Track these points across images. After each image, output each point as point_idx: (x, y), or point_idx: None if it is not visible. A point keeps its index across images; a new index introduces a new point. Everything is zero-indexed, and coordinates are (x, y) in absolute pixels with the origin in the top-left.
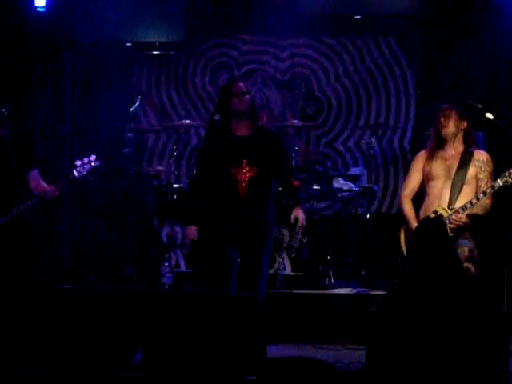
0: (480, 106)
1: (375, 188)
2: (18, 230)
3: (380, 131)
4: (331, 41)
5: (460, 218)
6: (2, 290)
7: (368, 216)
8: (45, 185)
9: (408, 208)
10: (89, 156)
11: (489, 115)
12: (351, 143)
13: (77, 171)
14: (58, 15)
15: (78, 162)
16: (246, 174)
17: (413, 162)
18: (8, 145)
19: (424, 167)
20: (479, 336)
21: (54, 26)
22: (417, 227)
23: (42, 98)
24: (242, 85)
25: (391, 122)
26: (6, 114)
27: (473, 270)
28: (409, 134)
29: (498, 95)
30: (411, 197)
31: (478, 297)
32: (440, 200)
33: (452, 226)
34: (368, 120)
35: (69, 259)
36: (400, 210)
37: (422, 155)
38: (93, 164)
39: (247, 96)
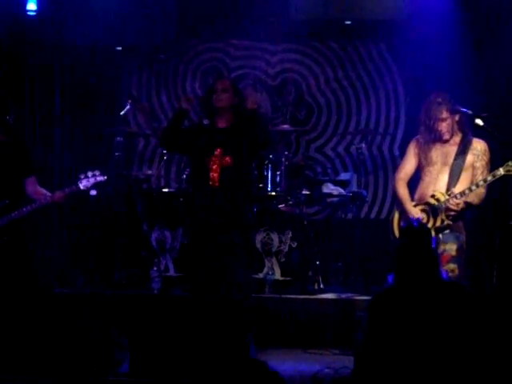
0: (470, 112)
1: (365, 193)
2: (15, 234)
3: (370, 137)
4: (321, 46)
5: (457, 203)
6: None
7: (357, 221)
8: (44, 190)
9: (402, 190)
10: (93, 170)
11: (478, 121)
12: (341, 148)
13: (82, 184)
14: (48, 20)
15: (82, 175)
16: (217, 162)
17: (408, 147)
18: (8, 150)
19: (419, 153)
20: (462, 341)
21: (44, 31)
22: (402, 236)
23: (32, 102)
24: (225, 82)
25: (381, 127)
26: (10, 121)
27: (457, 271)
28: (398, 139)
29: (487, 100)
30: (406, 179)
31: (461, 306)
32: (435, 185)
33: (449, 211)
34: (358, 125)
35: (58, 263)
36: (394, 191)
37: (417, 141)
38: (98, 179)
39: (226, 94)
